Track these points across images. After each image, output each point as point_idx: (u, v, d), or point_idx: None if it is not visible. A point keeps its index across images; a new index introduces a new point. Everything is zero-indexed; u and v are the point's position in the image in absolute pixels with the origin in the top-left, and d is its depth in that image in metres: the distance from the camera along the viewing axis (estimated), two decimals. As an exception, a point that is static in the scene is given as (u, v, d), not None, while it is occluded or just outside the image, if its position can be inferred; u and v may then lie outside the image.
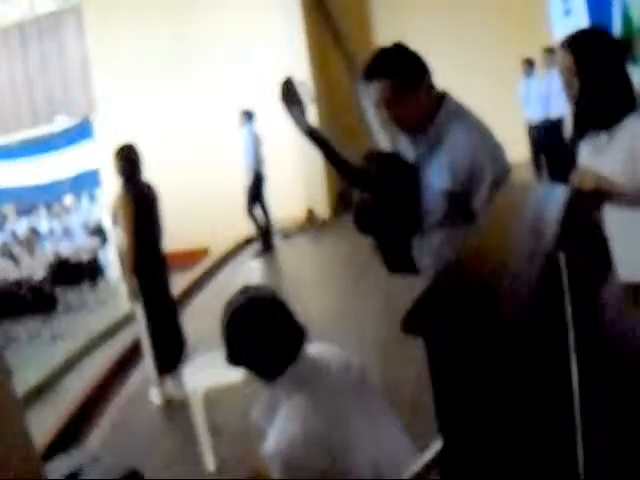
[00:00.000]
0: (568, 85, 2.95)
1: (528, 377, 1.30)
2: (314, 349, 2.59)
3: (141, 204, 5.83)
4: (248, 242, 12.12)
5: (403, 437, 2.56)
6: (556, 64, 10.79)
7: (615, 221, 2.47)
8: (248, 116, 11.11)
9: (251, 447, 4.73)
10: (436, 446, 2.12)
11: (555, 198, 2.59)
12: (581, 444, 1.21)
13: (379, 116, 3.30)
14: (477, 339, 1.31)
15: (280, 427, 2.33)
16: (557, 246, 1.69)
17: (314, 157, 12.59)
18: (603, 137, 2.82)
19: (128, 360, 7.16)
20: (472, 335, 1.28)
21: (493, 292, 1.46)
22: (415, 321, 1.32)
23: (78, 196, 16.17)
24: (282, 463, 2.25)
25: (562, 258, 1.47)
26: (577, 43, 2.93)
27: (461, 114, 3.20)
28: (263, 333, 2.40)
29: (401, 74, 3.11)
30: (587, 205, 2.45)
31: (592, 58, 2.84)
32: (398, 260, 3.27)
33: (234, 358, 2.47)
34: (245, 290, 2.53)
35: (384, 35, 14.77)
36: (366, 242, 10.64)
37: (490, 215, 2.16)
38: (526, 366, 1.30)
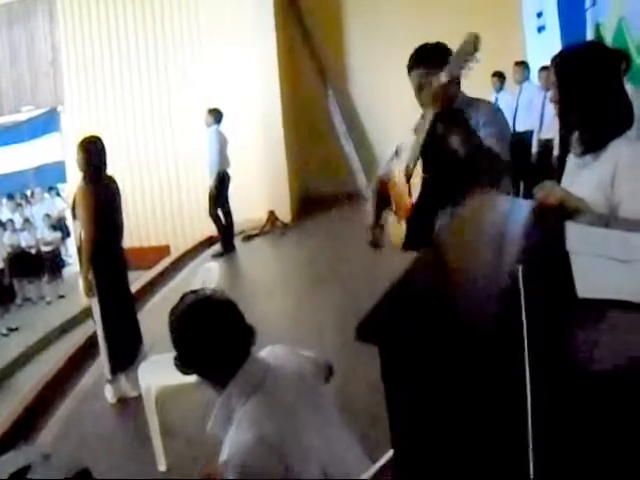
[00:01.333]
0: (555, 103, 2.93)
1: (481, 387, 1.30)
2: (267, 353, 2.58)
3: (101, 198, 5.74)
4: (210, 242, 12.05)
5: (355, 446, 2.55)
6: (525, 78, 10.94)
7: (577, 236, 2.48)
8: (216, 115, 11.02)
9: (204, 448, 4.74)
10: (387, 455, 2.12)
11: (519, 212, 2.61)
12: (532, 458, 1.20)
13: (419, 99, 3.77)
14: (431, 348, 1.31)
15: (234, 435, 2.32)
16: (517, 260, 1.71)
17: (277, 159, 12.63)
18: (589, 156, 2.80)
19: (84, 355, 7.09)
20: (426, 344, 1.28)
21: (448, 303, 1.46)
22: (370, 329, 1.32)
23: (42, 188, 16.00)
24: (237, 471, 2.23)
25: (520, 272, 1.47)
26: (562, 61, 2.91)
27: (473, 100, 3.97)
28: (209, 335, 2.40)
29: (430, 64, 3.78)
30: (550, 219, 2.45)
31: (574, 81, 2.80)
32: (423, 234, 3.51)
33: (183, 363, 2.46)
34: (189, 293, 2.52)
35: (356, 46, 14.84)
36: (327, 246, 10.67)
37: (450, 227, 2.16)
38: (479, 376, 1.30)
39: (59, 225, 15.64)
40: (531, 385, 1.23)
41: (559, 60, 2.92)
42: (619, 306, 1.59)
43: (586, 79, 2.74)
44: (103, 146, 5.90)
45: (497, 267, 1.61)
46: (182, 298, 2.51)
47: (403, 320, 1.37)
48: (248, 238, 12.06)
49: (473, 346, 1.34)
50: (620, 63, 2.90)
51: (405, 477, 1.35)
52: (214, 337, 2.40)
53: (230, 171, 11.09)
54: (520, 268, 1.49)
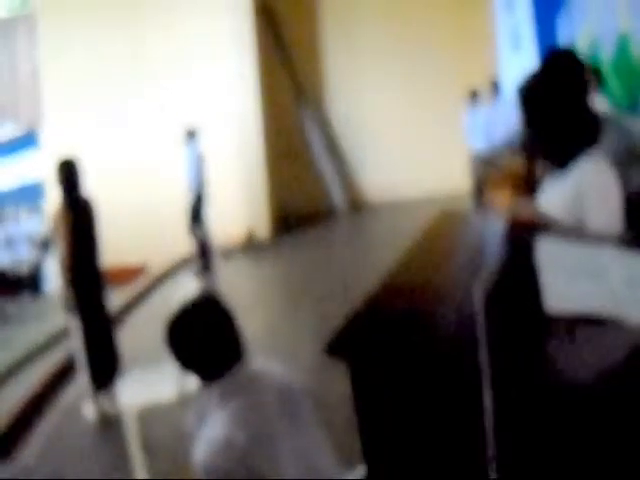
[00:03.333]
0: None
1: (448, 402, 1.34)
2: (258, 364, 2.62)
3: (79, 219, 5.80)
4: (186, 261, 12.04)
5: (333, 463, 2.58)
6: (498, 96, 11.04)
7: (547, 252, 2.52)
8: (191, 135, 11.03)
9: (185, 466, 4.75)
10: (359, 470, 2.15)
11: (488, 229, 2.65)
12: (494, 468, 1.25)
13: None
14: (400, 365, 1.34)
15: (205, 435, 2.36)
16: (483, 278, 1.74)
17: (255, 177, 12.66)
18: (557, 174, 2.84)
19: (64, 374, 7.07)
20: (395, 361, 1.31)
21: (416, 321, 1.50)
22: (339, 346, 1.35)
23: (22, 207, 15.90)
24: (205, 470, 2.29)
25: (477, 292, 1.50)
26: (523, 89, 2.95)
27: None
28: (206, 333, 2.45)
29: None
30: (520, 235, 2.49)
31: (535, 106, 2.84)
32: None
33: (176, 354, 2.51)
34: (196, 296, 2.60)
35: (333, 65, 14.92)
36: (304, 264, 10.67)
37: (419, 245, 2.19)
38: (446, 391, 1.33)
39: (40, 244, 15.52)
40: (499, 398, 1.27)
41: (521, 87, 2.97)
42: (588, 321, 1.63)
43: (545, 103, 2.79)
44: (75, 169, 5.96)
45: (465, 284, 1.64)
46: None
47: (372, 337, 1.40)
48: (227, 256, 12.05)
49: (440, 362, 1.37)
50: (585, 78, 2.90)
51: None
52: (209, 333, 2.45)
53: (208, 189, 11.08)
54: (475, 291, 1.52)
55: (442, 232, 2.33)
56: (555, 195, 2.82)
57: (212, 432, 2.35)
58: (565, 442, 1.27)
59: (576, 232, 2.65)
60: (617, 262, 2.14)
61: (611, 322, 1.66)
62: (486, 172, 3.34)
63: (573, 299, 1.80)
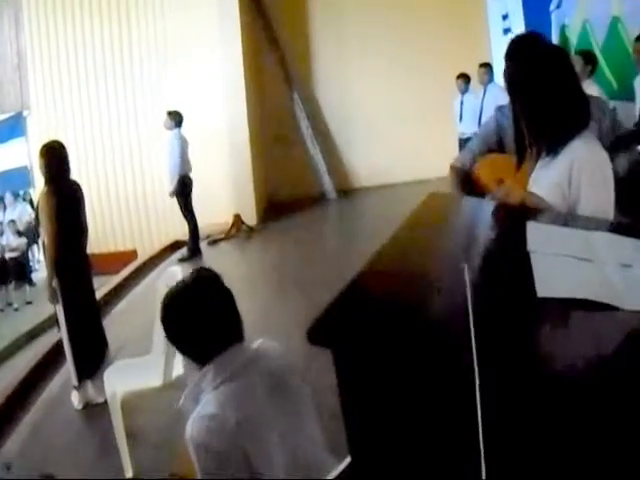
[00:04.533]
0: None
1: (434, 389, 1.29)
2: (257, 345, 2.59)
3: (65, 203, 5.66)
4: (175, 246, 11.99)
5: (324, 451, 2.56)
6: (490, 80, 10.99)
7: (538, 236, 2.48)
8: (177, 118, 10.91)
9: (170, 454, 4.70)
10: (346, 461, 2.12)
11: (478, 212, 2.61)
12: (484, 460, 1.20)
13: None
14: (383, 351, 1.30)
15: (195, 413, 2.36)
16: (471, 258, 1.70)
17: (243, 163, 12.60)
18: (548, 157, 2.79)
19: (51, 362, 7.01)
20: (378, 347, 1.27)
21: (400, 305, 1.45)
22: (321, 333, 1.31)
23: (7, 193, 15.81)
24: (194, 446, 2.28)
25: (466, 270, 1.46)
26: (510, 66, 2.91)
27: None
28: (202, 313, 2.42)
29: None
30: (510, 218, 2.46)
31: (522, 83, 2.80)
32: None
33: (169, 335, 2.50)
34: (194, 272, 2.56)
35: (322, 51, 14.86)
36: (292, 250, 10.69)
37: (407, 226, 2.15)
38: (432, 378, 1.29)
39: (26, 231, 15.44)
40: (487, 385, 1.23)
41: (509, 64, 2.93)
42: (580, 305, 1.59)
43: (532, 80, 2.74)
44: (64, 151, 5.84)
45: (454, 265, 1.59)
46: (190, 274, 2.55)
47: (355, 323, 1.36)
48: (214, 242, 12.01)
49: (426, 348, 1.33)
50: (565, 59, 2.86)
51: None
52: (203, 315, 2.42)
53: (195, 175, 11.01)
54: (465, 266, 1.48)
55: (431, 213, 2.28)
56: (546, 177, 2.78)
57: (204, 411, 2.34)
58: (554, 427, 1.23)
59: (567, 217, 2.61)
60: (609, 247, 2.10)
61: (604, 307, 1.61)
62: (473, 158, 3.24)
63: (565, 283, 1.76)
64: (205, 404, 2.36)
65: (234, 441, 2.27)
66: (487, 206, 2.57)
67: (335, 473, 2.28)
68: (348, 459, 2.09)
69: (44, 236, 5.67)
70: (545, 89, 2.70)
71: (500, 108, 3.48)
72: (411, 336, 1.32)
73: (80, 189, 5.94)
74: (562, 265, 1.89)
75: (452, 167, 3.44)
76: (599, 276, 1.83)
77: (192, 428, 2.30)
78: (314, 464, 2.47)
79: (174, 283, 2.55)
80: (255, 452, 2.30)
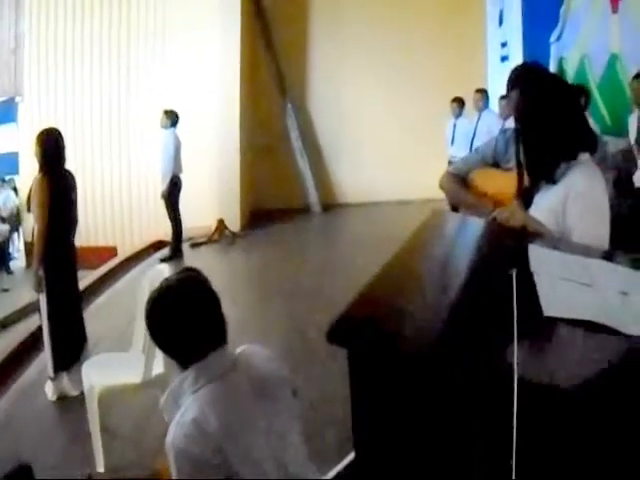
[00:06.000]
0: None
1: (444, 393, 1.31)
2: (242, 350, 2.58)
3: (58, 191, 5.63)
4: (157, 246, 11.96)
5: (308, 461, 2.55)
6: (485, 106, 11.06)
7: (540, 259, 2.51)
8: (173, 117, 10.92)
9: (143, 449, 4.70)
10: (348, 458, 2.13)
11: (469, 232, 2.65)
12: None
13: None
14: (397, 354, 1.32)
15: (176, 419, 2.33)
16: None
17: (231, 169, 12.57)
18: (548, 184, 2.82)
19: (24, 352, 6.96)
20: (392, 350, 1.29)
21: (413, 310, 1.49)
22: (340, 333, 1.33)
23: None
24: (174, 453, 2.25)
25: (514, 276, 1.49)
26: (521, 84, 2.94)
27: None
28: (188, 314, 2.39)
29: None
30: (511, 240, 2.49)
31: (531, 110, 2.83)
32: None
33: (153, 336, 2.47)
34: (182, 271, 2.55)
35: (319, 65, 14.91)
36: (273, 259, 10.69)
37: (413, 240, 2.18)
38: (442, 382, 1.31)
39: (9, 218, 15.34)
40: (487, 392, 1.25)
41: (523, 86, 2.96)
42: (583, 326, 1.62)
43: (541, 105, 2.77)
44: (61, 138, 5.81)
45: (458, 280, 1.62)
46: (175, 274, 2.54)
47: (372, 325, 1.38)
48: (196, 245, 11.99)
49: (437, 354, 1.35)
50: (579, 96, 2.92)
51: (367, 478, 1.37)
52: (189, 316, 2.39)
53: (182, 176, 11.01)
54: (514, 272, 1.51)
55: (435, 229, 2.31)
56: (543, 202, 2.82)
57: (184, 416, 2.31)
58: (549, 441, 1.25)
59: (565, 242, 2.64)
60: (607, 274, 2.14)
61: (606, 328, 1.64)
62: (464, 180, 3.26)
63: (569, 304, 1.78)
64: (186, 410, 2.33)
65: (215, 445, 2.24)
66: (488, 226, 2.60)
67: (333, 472, 2.28)
68: (347, 459, 2.11)
69: (34, 223, 5.63)
70: (555, 118, 2.73)
71: (504, 131, 3.51)
72: (426, 340, 1.34)
73: (74, 179, 5.91)
74: (564, 287, 1.92)
75: (448, 173, 3.47)
76: (600, 300, 1.86)
77: (173, 436, 2.27)
78: (299, 472, 2.46)
79: (159, 281, 2.53)
80: (238, 457, 2.27)
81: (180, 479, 2.26)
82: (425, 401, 1.32)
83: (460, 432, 1.32)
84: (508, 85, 3.44)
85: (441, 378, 1.33)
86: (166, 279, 2.51)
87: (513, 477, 1.13)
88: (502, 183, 3.08)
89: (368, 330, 1.38)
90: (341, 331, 1.36)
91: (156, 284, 2.51)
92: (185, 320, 2.39)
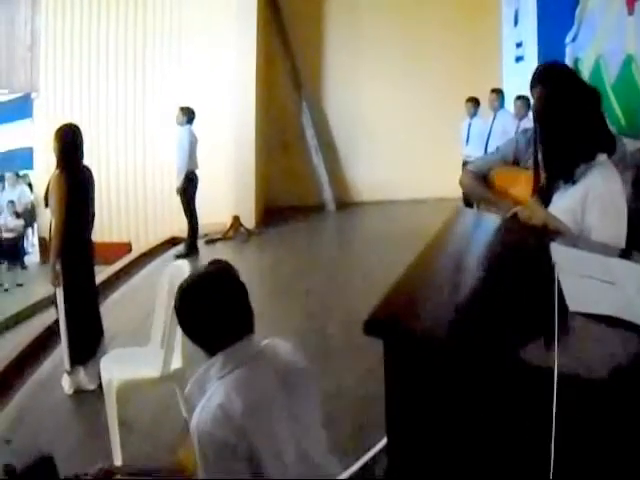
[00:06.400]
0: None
1: (475, 382, 1.34)
2: (268, 341, 2.62)
3: (76, 187, 5.66)
4: (172, 242, 12.00)
5: (325, 447, 2.59)
6: (500, 106, 11.06)
7: (563, 257, 2.54)
8: (189, 114, 10.95)
9: (160, 443, 4.73)
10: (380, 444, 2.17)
11: (492, 228, 2.68)
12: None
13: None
14: (431, 344, 1.36)
15: (202, 403, 2.37)
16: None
17: (246, 165, 12.59)
18: (567, 184, 2.84)
19: (40, 346, 7.00)
20: (427, 340, 1.33)
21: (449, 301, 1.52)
22: (376, 324, 1.37)
23: (9, 173, 15.75)
24: (198, 436, 2.30)
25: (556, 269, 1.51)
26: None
27: None
28: (219, 303, 2.44)
29: None
30: (533, 238, 2.51)
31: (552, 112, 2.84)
32: None
33: (183, 324, 2.52)
34: (212, 262, 2.61)
35: (334, 63, 14.92)
36: (288, 256, 10.71)
37: (440, 235, 2.21)
38: (474, 372, 1.34)
39: (24, 213, 15.40)
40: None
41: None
42: (606, 320, 1.64)
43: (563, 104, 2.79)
44: (80, 134, 5.83)
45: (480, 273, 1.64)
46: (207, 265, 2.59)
47: (407, 317, 1.42)
48: (211, 242, 12.01)
49: (472, 344, 1.38)
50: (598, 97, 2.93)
51: (400, 463, 1.40)
52: (220, 304, 2.45)
53: (198, 173, 11.04)
54: (556, 264, 1.53)
55: (459, 225, 2.34)
56: (561, 201, 2.84)
57: (210, 400, 2.36)
58: (567, 432, 1.27)
59: (584, 241, 2.67)
60: (627, 273, 2.16)
61: (629, 324, 1.67)
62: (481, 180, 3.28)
63: (593, 300, 1.81)
64: (211, 395, 2.37)
65: (240, 431, 2.28)
66: (510, 224, 2.63)
67: (366, 458, 2.31)
68: (379, 445, 2.14)
69: (52, 219, 5.66)
70: (574, 119, 2.75)
71: (525, 131, 3.53)
72: (455, 333, 1.37)
73: (91, 174, 5.94)
74: (587, 284, 1.95)
75: (468, 170, 3.49)
76: (622, 297, 1.88)
77: (198, 419, 2.32)
78: (321, 465, 2.49)
79: (180, 277, 2.58)
80: (262, 444, 2.31)
81: (203, 463, 2.30)
82: (457, 391, 1.35)
83: (494, 423, 1.35)
84: (531, 83, 3.47)
85: (472, 369, 1.35)
86: (196, 270, 2.56)
87: (551, 468, 1.16)
88: (522, 182, 3.11)
89: (402, 323, 1.41)
90: (377, 323, 1.40)
91: (175, 280, 2.56)
92: (216, 308, 2.44)
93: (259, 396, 2.40)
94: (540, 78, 3.27)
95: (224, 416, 2.29)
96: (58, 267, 5.61)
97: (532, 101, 3.29)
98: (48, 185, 5.71)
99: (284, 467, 2.36)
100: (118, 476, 2.92)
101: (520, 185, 3.11)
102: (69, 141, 5.72)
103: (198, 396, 2.44)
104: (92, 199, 5.93)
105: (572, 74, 3.25)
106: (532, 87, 3.42)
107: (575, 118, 2.75)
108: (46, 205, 5.79)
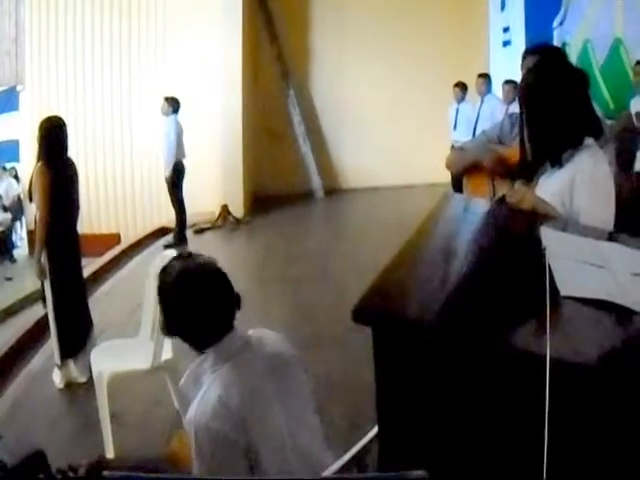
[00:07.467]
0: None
1: (463, 369, 1.34)
2: (254, 332, 2.61)
3: (59, 179, 5.60)
4: (161, 232, 11.98)
5: (320, 437, 2.58)
6: (488, 91, 11.04)
7: (553, 241, 2.53)
8: (174, 104, 10.92)
9: (151, 435, 4.71)
10: (370, 433, 2.16)
11: (480, 213, 2.67)
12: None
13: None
14: (419, 331, 1.35)
15: (199, 397, 2.37)
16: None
17: (234, 154, 12.57)
18: (554, 167, 2.83)
19: (31, 340, 6.97)
20: (415, 328, 1.32)
21: (436, 288, 1.51)
22: (365, 312, 1.36)
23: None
24: (195, 429, 2.29)
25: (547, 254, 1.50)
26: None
27: None
28: (198, 300, 2.42)
29: None
30: (522, 222, 2.50)
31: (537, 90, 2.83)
32: None
33: (168, 326, 2.49)
34: (179, 257, 2.56)
35: (321, 51, 14.89)
36: (277, 244, 10.69)
37: (427, 222, 2.20)
38: (461, 358, 1.34)
39: (11, 206, 15.32)
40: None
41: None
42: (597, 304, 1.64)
43: (546, 88, 2.78)
44: (64, 127, 5.79)
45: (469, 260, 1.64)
46: (174, 260, 2.54)
47: (395, 304, 1.41)
48: (200, 231, 12.01)
49: (459, 330, 1.37)
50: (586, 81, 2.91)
51: (391, 451, 1.39)
52: (202, 303, 2.42)
53: (186, 163, 11.02)
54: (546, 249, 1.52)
55: (448, 211, 2.33)
56: (549, 185, 2.83)
57: (207, 392, 2.36)
58: (559, 417, 1.26)
59: (573, 224, 2.66)
60: (619, 256, 2.15)
61: (621, 308, 1.66)
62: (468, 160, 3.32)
63: (584, 284, 1.80)
64: (208, 388, 2.37)
65: (236, 421, 2.28)
66: (498, 208, 2.62)
67: (357, 448, 2.30)
68: (370, 434, 2.14)
69: (36, 211, 5.62)
70: (562, 101, 2.74)
71: (510, 115, 3.54)
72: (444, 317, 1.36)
73: (75, 167, 5.88)
74: (578, 268, 1.94)
75: (454, 148, 3.57)
76: (613, 281, 1.88)
77: (196, 411, 2.31)
78: (315, 454, 2.49)
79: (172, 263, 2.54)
80: (258, 434, 2.31)
81: (200, 456, 2.29)
82: (448, 378, 1.34)
83: (485, 409, 1.34)
84: (523, 55, 3.49)
85: (463, 355, 1.35)
86: (173, 265, 2.50)
87: (545, 453, 1.15)
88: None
89: (390, 310, 1.40)
90: (365, 310, 1.39)
91: (182, 263, 2.52)
92: (202, 305, 2.41)
93: (252, 387, 2.40)
94: (533, 50, 3.27)
95: (222, 408, 2.29)
96: (43, 260, 5.58)
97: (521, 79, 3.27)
98: (31, 179, 5.66)
99: (282, 459, 2.36)
100: (108, 472, 2.89)
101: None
102: (52, 134, 5.67)
103: (194, 389, 2.44)
104: (76, 191, 5.89)
105: (563, 54, 3.25)
106: (524, 59, 3.43)
107: (563, 99, 2.73)
108: (30, 200, 5.74)
